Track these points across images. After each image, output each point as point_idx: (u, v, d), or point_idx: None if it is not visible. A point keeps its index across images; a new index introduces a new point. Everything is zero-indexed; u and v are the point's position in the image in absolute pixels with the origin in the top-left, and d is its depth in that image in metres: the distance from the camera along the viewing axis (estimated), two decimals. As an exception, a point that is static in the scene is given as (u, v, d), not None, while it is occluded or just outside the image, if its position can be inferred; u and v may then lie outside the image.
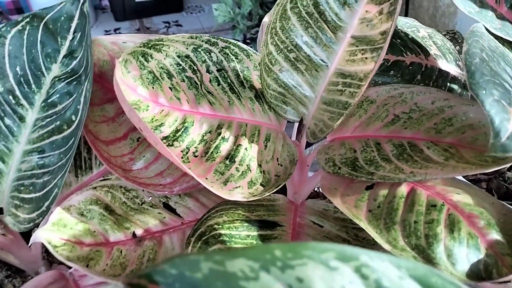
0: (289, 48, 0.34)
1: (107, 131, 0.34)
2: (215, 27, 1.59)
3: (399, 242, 0.26)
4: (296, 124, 0.38)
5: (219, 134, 0.31)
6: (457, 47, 0.45)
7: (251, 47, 0.37)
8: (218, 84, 0.35)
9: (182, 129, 0.30)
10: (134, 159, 0.33)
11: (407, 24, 0.45)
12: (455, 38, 0.47)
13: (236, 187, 0.28)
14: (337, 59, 0.33)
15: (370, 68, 0.29)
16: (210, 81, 0.34)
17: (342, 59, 0.32)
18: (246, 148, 0.31)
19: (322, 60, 0.33)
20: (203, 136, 0.31)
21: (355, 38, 0.31)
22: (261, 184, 0.30)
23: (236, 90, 0.35)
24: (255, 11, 1.29)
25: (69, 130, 0.32)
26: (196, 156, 0.29)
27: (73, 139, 0.32)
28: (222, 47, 0.36)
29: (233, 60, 0.36)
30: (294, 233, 0.32)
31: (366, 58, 0.30)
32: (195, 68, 0.34)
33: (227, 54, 0.36)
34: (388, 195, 0.30)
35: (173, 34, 0.32)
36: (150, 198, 0.34)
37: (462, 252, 0.25)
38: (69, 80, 0.33)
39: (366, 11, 0.30)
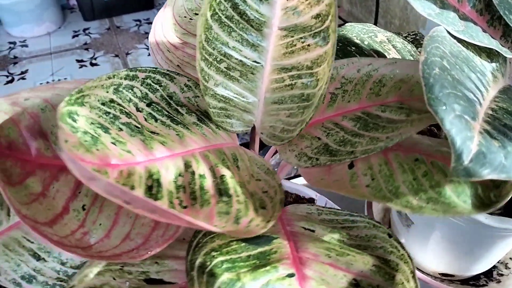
0: (218, 59, 0.31)
1: (43, 210, 0.26)
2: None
3: (413, 202, 0.27)
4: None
5: (193, 173, 0.27)
6: (419, 49, 0.43)
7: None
8: (156, 120, 0.30)
9: (154, 184, 0.25)
10: (88, 231, 0.26)
11: (364, 30, 0.44)
12: (417, 39, 0.46)
13: (250, 221, 0.25)
14: (271, 55, 0.31)
15: (316, 54, 0.29)
16: (145, 119, 0.30)
17: (278, 54, 0.31)
18: (230, 176, 0.28)
19: (255, 62, 0.32)
20: (176, 182, 0.26)
21: (285, 30, 0.30)
22: (261, 207, 0.27)
23: (177, 119, 0.31)
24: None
25: None
26: (186, 207, 0.25)
27: None
28: (142, 78, 0.31)
29: (157, 90, 0.32)
30: (291, 244, 0.30)
31: (308, 45, 0.29)
32: (126, 110, 0.29)
33: (150, 85, 0.31)
34: (372, 166, 0.30)
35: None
36: (127, 283, 0.28)
37: (465, 189, 0.27)
38: None
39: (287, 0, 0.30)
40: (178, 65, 0.40)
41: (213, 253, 0.25)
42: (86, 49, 1.63)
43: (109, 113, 0.28)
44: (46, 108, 0.28)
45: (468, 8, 0.32)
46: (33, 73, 1.51)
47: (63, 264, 0.31)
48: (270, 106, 0.32)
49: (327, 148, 0.31)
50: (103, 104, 0.28)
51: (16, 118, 0.27)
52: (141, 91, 0.30)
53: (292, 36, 0.30)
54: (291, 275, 0.24)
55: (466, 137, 0.22)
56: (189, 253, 0.26)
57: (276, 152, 0.41)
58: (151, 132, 0.29)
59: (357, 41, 0.42)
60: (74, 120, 0.25)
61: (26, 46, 1.64)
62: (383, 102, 0.33)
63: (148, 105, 0.30)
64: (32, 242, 0.31)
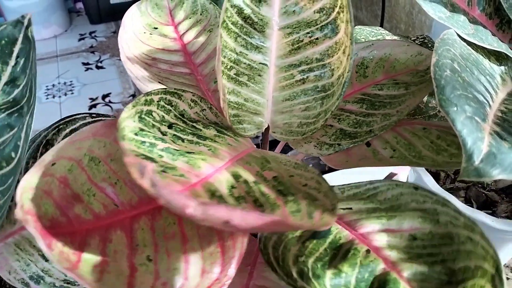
0: (228, 67, 0.31)
1: (116, 278, 0.23)
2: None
3: (439, 160, 0.30)
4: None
5: (246, 182, 0.27)
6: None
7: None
8: (183, 140, 0.29)
9: (222, 202, 0.24)
10: (167, 281, 0.24)
11: (372, 33, 0.44)
12: (425, 43, 0.45)
13: (323, 214, 0.25)
14: (275, 55, 0.32)
15: (325, 46, 0.30)
16: (173, 142, 0.28)
17: (284, 52, 0.32)
18: (280, 177, 0.28)
19: (261, 63, 0.32)
20: (232, 195, 0.26)
21: (288, 27, 0.31)
22: (313, 200, 0.28)
23: (201, 135, 0.30)
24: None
25: (7, 168, 0.28)
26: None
27: (12, 178, 0.29)
28: (157, 101, 0.29)
29: (170, 110, 0.30)
30: (344, 226, 0.30)
31: (317, 39, 0.31)
32: (157, 136, 0.27)
33: (164, 106, 0.30)
34: (388, 140, 0.33)
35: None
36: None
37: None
38: (10, 111, 0.29)
39: (285, -1, 0.31)
40: (159, 82, 0.39)
41: (300, 259, 0.25)
42: (92, 52, 1.60)
43: (144, 142, 0.26)
44: (73, 167, 0.25)
45: (478, 12, 0.32)
46: (39, 76, 1.43)
47: (71, 265, 0.30)
48: (281, 104, 0.33)
49: (344, 132, 0.33)
50: (136, 134, 0.26)
51: (47, 189, 0.24)
52: (158, 114, 0.29)
53: (298, 33, 0.31)
54: (368, 251, 0.26)
55: (477, 138, 0.22)
56: (277, 268, 0.26)
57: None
58: (187, 152, 0.28)
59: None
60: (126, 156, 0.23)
61: (33, 49, 1.55)
62: (374, 82, 0.36)
63: (169, 127, 0.29)
64: (43, 243, 0.31)
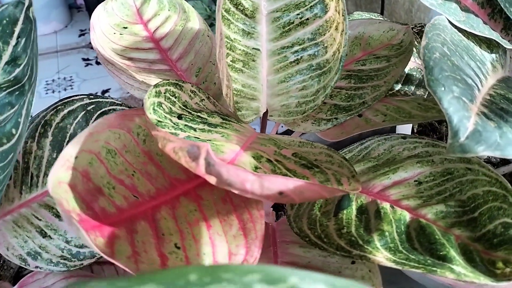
0: (225, 54, 0.31)
1: (149, 268, 0.23)
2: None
3: (428, 115, 0.33)
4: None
5: (269, 161, 0.27)
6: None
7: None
8: (195, 130, 0.28)
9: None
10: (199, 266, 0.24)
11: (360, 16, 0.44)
12: (423, 31, 0.43)
13: (349, 179, 0.27)
14: (266, 38, 0.33)
15: (316, 25, 0.32)
16: (186, 132, 0.28)
17: (275, 35, 0.33)
18: (298, 152, 0.29)
19: (254, 49, 0.33)
20: (259, 172, 0.26)
21: (277, 11, 0.32)
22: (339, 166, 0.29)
23: (212, 123, 0.30)
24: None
25: (8, 144, 0.30)
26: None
27: (12, 155, 0.30)
28: (164, 93, 0.29)
29: (175, 102, 0.30)
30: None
31: (307, 19, 0.32)
32: (175, 126, 0.27)
33: (169, 98, 0.29)
34: (378, 109, 0.35)
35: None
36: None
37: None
38: (11, 89, 0.30)
39: (273, -18, 0.32)
40: (142, 81, 0.38)
41: (343, 231, 0.27)
42: (92, 48, 1.50)
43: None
44: (93, 160, 0.24)
45: (470, 1, 0.32)
46: (39, 71, 1.26)
47: (67, 242, 0.32)
48: (277, 87, 0.34)
49: (339, 107, 0.35)
50: (156, 125, 0.25)
51: (72, 183, 0.23)
52: (166, 106, 0.28)
53: (288, 15, 0.32)
54: (392, 207, 0.28)
55: (463, 116, 0.23)
56: (324, 246, 0.27)
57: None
58: (206, 140, 0.28)
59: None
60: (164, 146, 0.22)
61: (32, 44, 1.45)
62: (354, 59, 0.39)
63: (179, 117, 0.29)
64: (40, 220, 0.33)
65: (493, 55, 0.31)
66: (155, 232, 0.25)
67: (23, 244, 0.32)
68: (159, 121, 0.26)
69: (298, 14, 0.32)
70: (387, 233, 0.26)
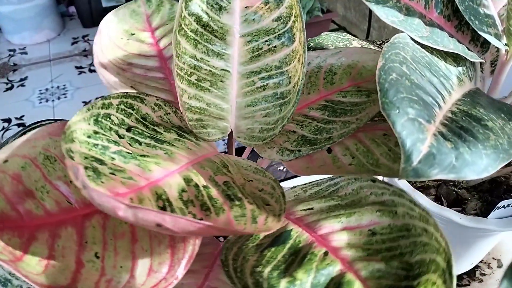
0: (189, 72, 0.32)
1: (60, 272, 0.24)
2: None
3: (395, 168, 0.30)
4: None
5: (197, 186, 0.27)
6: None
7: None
8: (140, 144, 0.30)
9: (165, 204, 0.25)
10: (112, 278, 0.25)
11: (339, 38, 0.45)
12: None
13: (267, 219, 0.26)
14: (237, 61, 0.33)
15: (283, 53, 0.31)
16: (130, 145, 0.29)
17: (245, 59, 0.33)
18: (232, 181, 0.29)
19: (223, 70, 0.33)
20: (182, 198, 0.26)
21: (248, 35, 0.32)
22: (266, 204, 0.28)
23: (160, 139, 0.31)
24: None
25: None
26: (201, 219, 0.25)
27: None
28: (116, 105, 0.30)
29: (131, 114, 0.31)
30: (305, 228, 0.30)
31: (275, 47, 0.31)
32: (112, 139, 0.28)
33: (124, 110, 0.31)
34: (349, 147, 0.33)
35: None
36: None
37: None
38: None
39: (246, 7, 0.31)
40: (131, 86, 0.40)
41: (257, 269, 0.26)
42: (85, 55, 1.64)
43: (97, 145, 0.27)
44: (26, 165, 0.26)
45: (436, 14, 0.32)
46: (33, 80, 1.48)
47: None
48: (244, 110, 0.34)
49: (305, 139, 0.34)
50: (88, 137, 0.27)
51: None
52: (117, 117, 0.30)
53: (257, 40, 0.32)
54: (326, 253, 0.26)
55: (417, 139, 0.22)
56: (234, 278, 0.26)
57: (250, 153, 0.42)
58: (141, 156, 0.28)
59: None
60: (72, 158, 0.24)
61: (26, 53, 1.62)
62: (339, 88, 0.37)
63: (128, 130, 0.30)
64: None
65: (460, 69, 0.30)
66: (79, 239, 0.26)
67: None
68: (95, 131, 0.27)
69: (266, 41, 0.31)
70: (297, 282, 0.25)
